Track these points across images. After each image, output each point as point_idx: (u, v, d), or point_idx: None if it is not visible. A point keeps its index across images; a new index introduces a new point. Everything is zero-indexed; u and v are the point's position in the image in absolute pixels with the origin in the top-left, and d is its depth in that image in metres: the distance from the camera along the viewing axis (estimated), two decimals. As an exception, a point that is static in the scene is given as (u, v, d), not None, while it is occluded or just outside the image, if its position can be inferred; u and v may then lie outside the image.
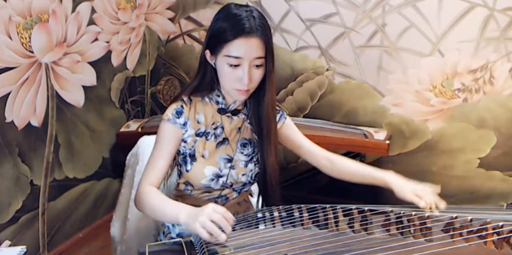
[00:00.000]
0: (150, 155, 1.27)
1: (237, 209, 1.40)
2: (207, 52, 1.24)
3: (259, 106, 1.29)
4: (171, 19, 2.61)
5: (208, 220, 1.01)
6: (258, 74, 1.20)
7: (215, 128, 1.30)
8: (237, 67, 1.18)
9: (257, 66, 1.19)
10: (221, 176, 1.30)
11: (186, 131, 1.28)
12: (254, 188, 1.45)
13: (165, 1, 2.57)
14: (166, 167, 1.26)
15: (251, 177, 1.34)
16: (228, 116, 1.32)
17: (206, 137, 1.30)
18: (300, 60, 2.41)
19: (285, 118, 1.41)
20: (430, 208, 1.19)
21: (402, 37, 2.21)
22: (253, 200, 1.50)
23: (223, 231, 1.01)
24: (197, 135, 1.29)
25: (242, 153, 1.33)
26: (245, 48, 1.16)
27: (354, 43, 2.30)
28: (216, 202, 1.35)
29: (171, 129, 1.26)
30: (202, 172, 1.28)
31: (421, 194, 1.23)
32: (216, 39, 1.19)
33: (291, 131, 1.41)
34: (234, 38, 1.16)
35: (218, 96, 1.29)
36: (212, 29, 1.22)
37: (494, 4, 2.04)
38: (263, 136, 1.31)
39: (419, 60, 2.22)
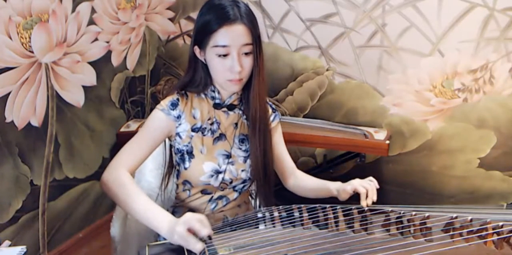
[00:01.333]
0: (133, 139, 1.23)
1: (237, 212, 1.38)
2: (196, 48, 1.23)
3: (249, 95, 1.28)
4: (171, 19, 2.61)
5: (184, 229, 1.01)
6: (248, 61, 1.20)
7: (211, 124, 1.30)
8: (227, 57, 1.18)
9: (246, 54, 1.19)
10: (220, 172, 1.29)
11: (180, 124, 1.27)
12: (254, 187, 1.45)
13: (165, 1, 2.57)
14: (146, 155, 1.23)
15: (251, 173, 1.33)
16: (224, 111, 1.31)
17: (202, 133, 1.29)
18: (300, 60, 2.41)
19: (279, 119, 1.41)
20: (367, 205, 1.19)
21: (402, 37, 2.21)
22: (253, 201, 1.50)
23: (203, 240, 1.02)
24: (193, 130, 1.28)
25: (240, 148, 1.33)
26: (231, 36, 1.16)
27: (354, 43, 2.30)
28: (216, 204, 1.34)
29: (163, 118, 1.25)
30: (201, 168, 1.27)
31: (351, 183, 1.24)
32: (202, 32, 1.19)
33: (277, 138, 1.41)
34: (219, 27, 1.16)
35: (213, 91, 1.29)
36: (198, 23, 1.22)
37: (494, 4, 2.04)
38: (251, 124, 1.29)
39: (419, 60, 2.22)
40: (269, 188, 1.35)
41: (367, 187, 1.20)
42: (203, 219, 1.04)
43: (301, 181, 1.42)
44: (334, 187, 1.29)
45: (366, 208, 1.17)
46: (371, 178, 1.27)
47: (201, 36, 1.20)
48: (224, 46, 1.17)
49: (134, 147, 1.22)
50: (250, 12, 1.20)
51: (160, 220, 1.09)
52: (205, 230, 1.02)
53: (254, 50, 1.20)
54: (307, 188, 1.41)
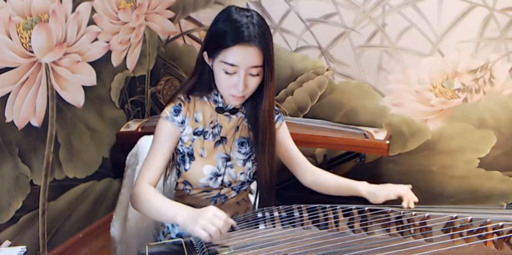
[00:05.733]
0: (148, 153, 1.27)
1: (236, 209, 1.40)
2: (205, 54, 1.23)
3: (257, 112, 1.28)
4: (171, 19, 2.61)
5: (209, 224, 1.02)
6: (254, 81, 1.20)
7: (213, 127, 1.30)
8: (233, 74, 1.18)
9: (253, 74, 1.19)
10: (219, 175, 1.30)
11: (184, 129, 1.28)
12: (254, 186, 1.45)
13: (165, 1, 2.57)
14: (163, 165, 1.26)
15: (250, 176, 1.34)
16: (226, 115, 1.32)
17: (204, 136, 1.30)
18: (300, 60, 2.41)
19: (283, 120, 1.41)
20: (409, 207, 1.23)
21: (402, 37, 2.21)
22: (253, 198, 1.50)
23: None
24: (195, 134, 1.29)
25: (240, 152, 1.33)
26: (242, 57, 1.15)
27: (354, 43, 2.30)
28: (215, 201, 1.35)
29: (169, 127, 1.26)
30: (200, 171, 1.28)
31: (389, 196, 1.27)
32: (214, 42, 1.19)
33: (284, 137, 1.41)
34: (232, 45, 1.15)
35: (216, 95, 1.29)
36: (211, 31, 1.21)
37: (494, 4, 2.04)
38: (259, 141, 1.30)
39: (419, 60, 2.22)
40: (272, 192, 1.36)
41: (407, 192, 1.26)
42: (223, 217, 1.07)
43: (321, 178, 1.42)
44: (364, 189, 1.30)
45: (367, 208, 1.17)
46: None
47: (212, 46, 1.19)
48: (232, 65, 1.16)
49: (150, 161, 1.25)
50: (265, 31, 1.18)
51: (180, 210, 1.11)
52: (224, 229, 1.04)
53: (265, 71, 1.19)
54: (327, 186, 1.40)
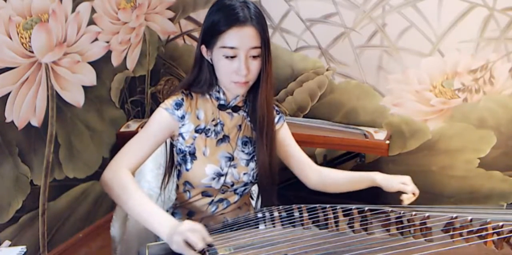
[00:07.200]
0: (134, 140, 1.21)
1: (238, 213, 1.37)
2: (203, 47, 1.22)
3: (256, 100, 1.26)
4: (171, 19, 2.61)
5: (182, 241, 0.99)
6: (255, 65, 1.18)
7: (215, 125, 1.28)
8: (234, 59, 1.16)
9: (253, 57, 1.17)
10: (222, 175, 1.28)
11: (183, 125, 1.24)
12: (254, 188, 1.45)
13: (165, 1, 2.57)
14: (148, 154, 1.20)
15: (253, 177, 1.32)
16: (229, 113, 1.29)
17: (206, 134, 1.27)
18: (300, 60, 2.41)
19: (284, 120, 1.40)
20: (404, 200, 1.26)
21: (402, 37, 2.21)
22: (254, 202, 1.49)
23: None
24: (196, 131, 1.26)
25: (243, 151, 1.31)
26: (240, 38, 1.14)
27: (354, 43, 2.30)
28: (217, 206, 1.33)
29: (167, 118, 1.22)
30: (203, 171, 1.26)
31: (406, 182, 1.30)
32: (211, 31, 1.17)
33: (286, 137, 1.40)
34: (228, 28, 1.14)
35: (218, 92, 1.27)
36: (206, 22, 1.20)
37: (494, 4, 2.04)
38: (258, 130, 1.28)
39: (419, 60, 2.22)
40: (273, 191, 1.34)
41: (415, 193, 1.29)
42: (199, 229, 1.01)
43: (329, 177, 1.40)
44: (379, 178, 1.31)
45: (367, 208, 1.17)
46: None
47: (209, 35, 1.18)
48: (232, 48, 1.15)
49: (136, 146, 1.19)
50: (261, 15, 1.18)
51: (162, 224, 1.06)
52: (200, 243, 0.98)
53: (263, 54, 1.18)
54: (337, 184, 1.39)
